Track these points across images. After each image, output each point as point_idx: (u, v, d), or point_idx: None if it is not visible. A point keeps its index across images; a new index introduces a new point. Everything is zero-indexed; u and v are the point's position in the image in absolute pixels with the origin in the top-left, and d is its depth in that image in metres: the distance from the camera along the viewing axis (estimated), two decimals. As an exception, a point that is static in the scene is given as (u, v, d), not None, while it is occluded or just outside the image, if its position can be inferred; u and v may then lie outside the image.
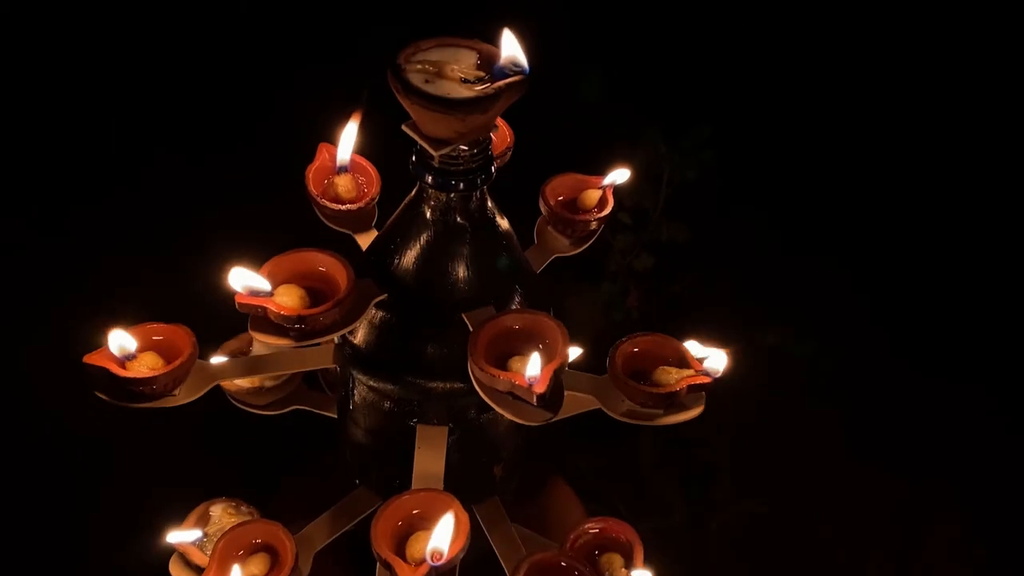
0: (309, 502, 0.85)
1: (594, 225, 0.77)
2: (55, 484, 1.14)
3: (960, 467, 1.43)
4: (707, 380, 0.63)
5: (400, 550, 0.57)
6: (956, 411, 1.48)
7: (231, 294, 0.57)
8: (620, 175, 0.78)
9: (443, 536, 0.54)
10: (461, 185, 0.56)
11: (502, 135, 0.73)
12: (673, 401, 0.64)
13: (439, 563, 0.53)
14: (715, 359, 0.64)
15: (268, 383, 0.79)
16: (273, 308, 0.55)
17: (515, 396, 0.54)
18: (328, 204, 0.75)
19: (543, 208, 0.77)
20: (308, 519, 0.75)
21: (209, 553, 0.72)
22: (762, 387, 1.31)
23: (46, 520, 1.12)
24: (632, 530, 0.76)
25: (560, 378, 0.54)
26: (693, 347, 0.77)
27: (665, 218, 1.21)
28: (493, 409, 0.56)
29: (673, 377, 0.64)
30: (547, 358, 0.54)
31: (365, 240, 0.75)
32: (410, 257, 0.60)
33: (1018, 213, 1.68)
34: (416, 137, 0.54)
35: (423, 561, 0.54)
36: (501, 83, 0.51)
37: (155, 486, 0.99)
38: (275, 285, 0.58)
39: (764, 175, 1.55)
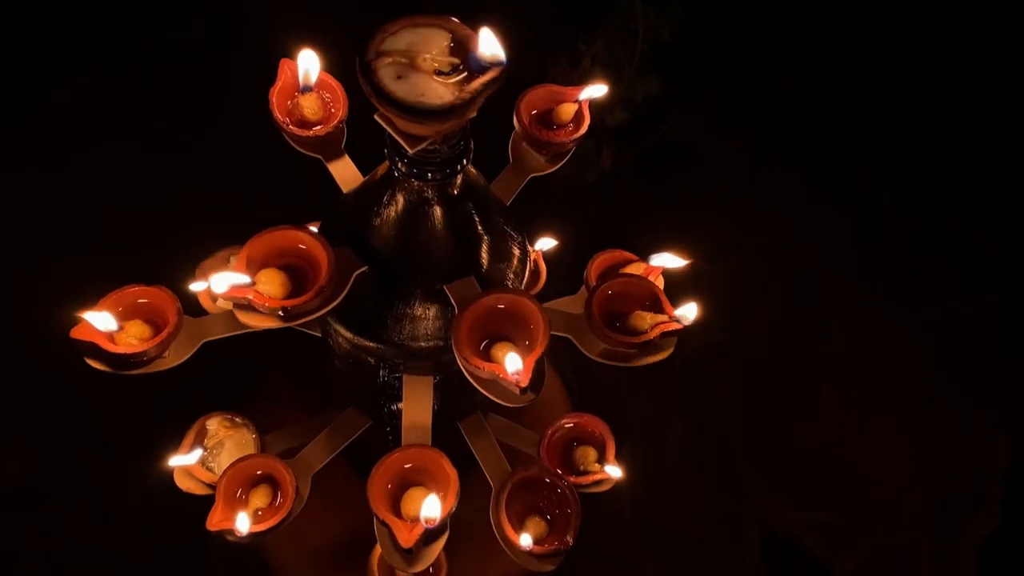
0: (296, 407, 0.90)
1: (569, 145, 0.76)
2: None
3: (923, 290, 1.51)
4: (679, 327, 0.66)
5: (396, 504, 0.62)
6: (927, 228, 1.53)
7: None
8: (596, 90, 0.75)
9: (435, 504, 0.58)
10: (438, 176, 0.55)
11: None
12: (647, 345, 0.67)
13: (432, 526, 0.58)
14: (686, 309, 0.66)
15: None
16: (256, 299, 0.56)
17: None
18: (296, 131, 0.72)
19: (517, 125, 0.75)
20: (296, 426, 0.80)
21: (211, 467, 0.78)
22: (726, 233, 1.34)
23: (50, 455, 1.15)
24: (604, 425, 0.81)
25: (543, 363, 0.56)
26: (665, 259, 0.79)
27: (639, 76, 1.17)
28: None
29: (648, 323, 0.66)
30: (528, 344, 0.56)
31: (337, 169, 0.74)
32: (386, 231, 0.60)
33: None
34: (390, 130, 0.52)
35: (418, 520, 0.59)
36: (477, 84, 0.49)
37: (144, 403, 1.02)
38: (256, 268, 0.58)
39: (737, 28, 1.49)
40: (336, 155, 0.74)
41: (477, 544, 0.77)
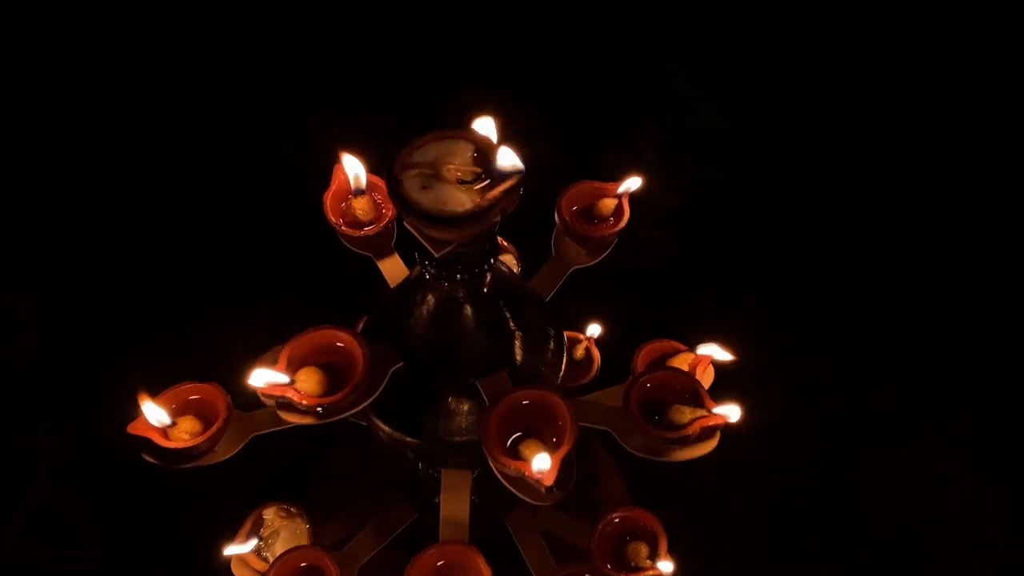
0: (350, 493, 0.91)
1: (610, 238, 0.77)
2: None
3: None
4: (720, 422, 0.65)
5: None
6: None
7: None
8: (633, 183, 0.77)
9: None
10: (465, 276, 0.57)
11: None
12: (687, 440, 0.66)
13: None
14: (729, 409, 0.65)
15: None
16: (294, 397, 0.58)
17: (528, 477, 0.57)
18: (348, 231, 0.76)
19: (559, 220, 0.77)
20: (346, 515, 0.81)
21: (264, 556, 0.79)
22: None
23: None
24: (656, 520, 0.80)
25: (571, 459, 0.56)
26: (712, 350, 0.78)
27: (695, 164, 1.18)
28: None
29: (687, 417, 0.66)
30: (556, 442, 0.56)
31: (387, 266, 0.77)
32: (420, 328, 0.62)
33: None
34: (417, 236, 0.54)
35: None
36: (496, 192, 0.51)
37: (197, 494, 1.05)
38: (295, 366, 0.60)
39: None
40: (386, 253, 0.77)
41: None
